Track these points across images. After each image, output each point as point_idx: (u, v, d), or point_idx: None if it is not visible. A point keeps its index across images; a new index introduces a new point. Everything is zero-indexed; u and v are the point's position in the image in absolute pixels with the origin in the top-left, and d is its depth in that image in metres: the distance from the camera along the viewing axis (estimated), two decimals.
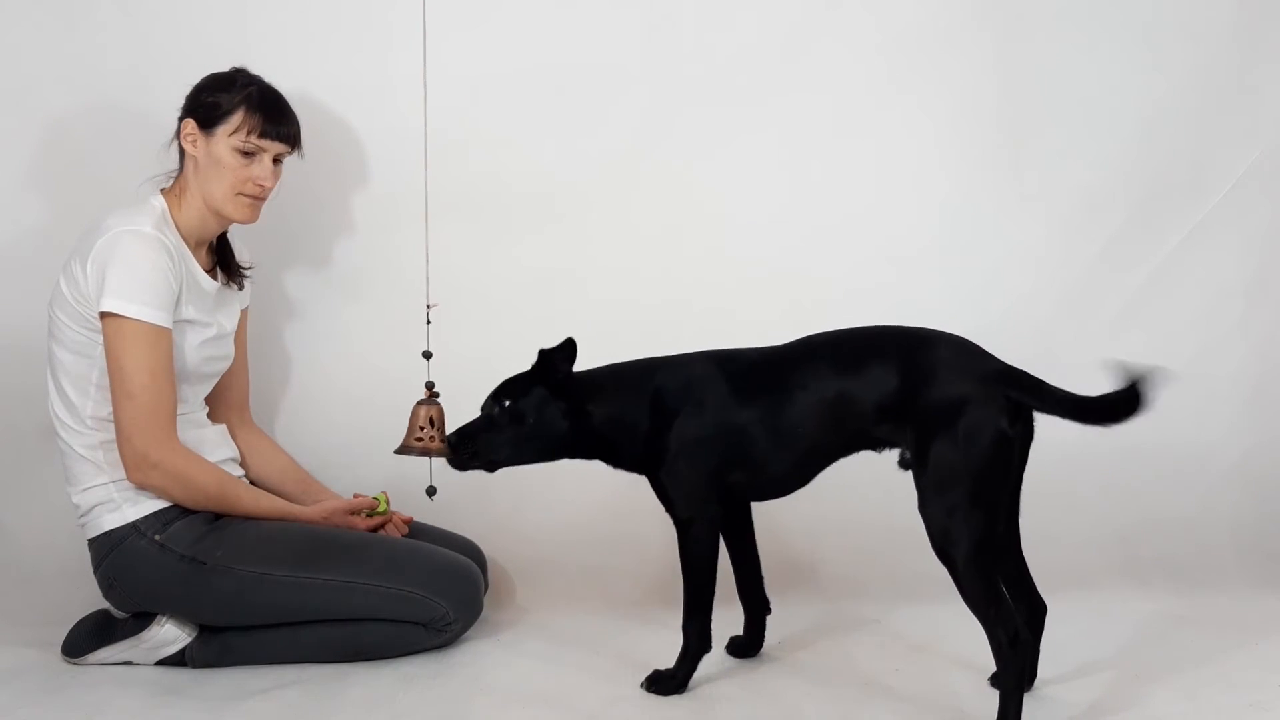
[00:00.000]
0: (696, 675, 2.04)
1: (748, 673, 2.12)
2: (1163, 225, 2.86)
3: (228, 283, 2.32)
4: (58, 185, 2.63)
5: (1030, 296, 2.83)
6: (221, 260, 2.31)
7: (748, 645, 2.23)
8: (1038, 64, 2.81)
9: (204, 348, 2.21)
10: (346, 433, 2.68)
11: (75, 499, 2.17)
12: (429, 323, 2.15)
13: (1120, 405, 1.79)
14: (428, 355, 2.16)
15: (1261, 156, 2.86)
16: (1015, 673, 1.79)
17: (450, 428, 2.09)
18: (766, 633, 2.23)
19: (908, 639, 2.30)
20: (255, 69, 2.25)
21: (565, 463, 2.49)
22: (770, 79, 2.76)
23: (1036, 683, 2.00)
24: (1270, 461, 2.82)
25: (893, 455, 1.96)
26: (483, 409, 2.07)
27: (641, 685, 2.03)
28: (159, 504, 2.13)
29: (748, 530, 2.20)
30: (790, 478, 2.04)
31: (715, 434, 1.99)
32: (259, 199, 2.23)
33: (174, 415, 2.12)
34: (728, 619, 2.16)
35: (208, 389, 2.32)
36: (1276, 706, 1.96)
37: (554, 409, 2.03)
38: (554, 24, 2.71)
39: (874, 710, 1.95)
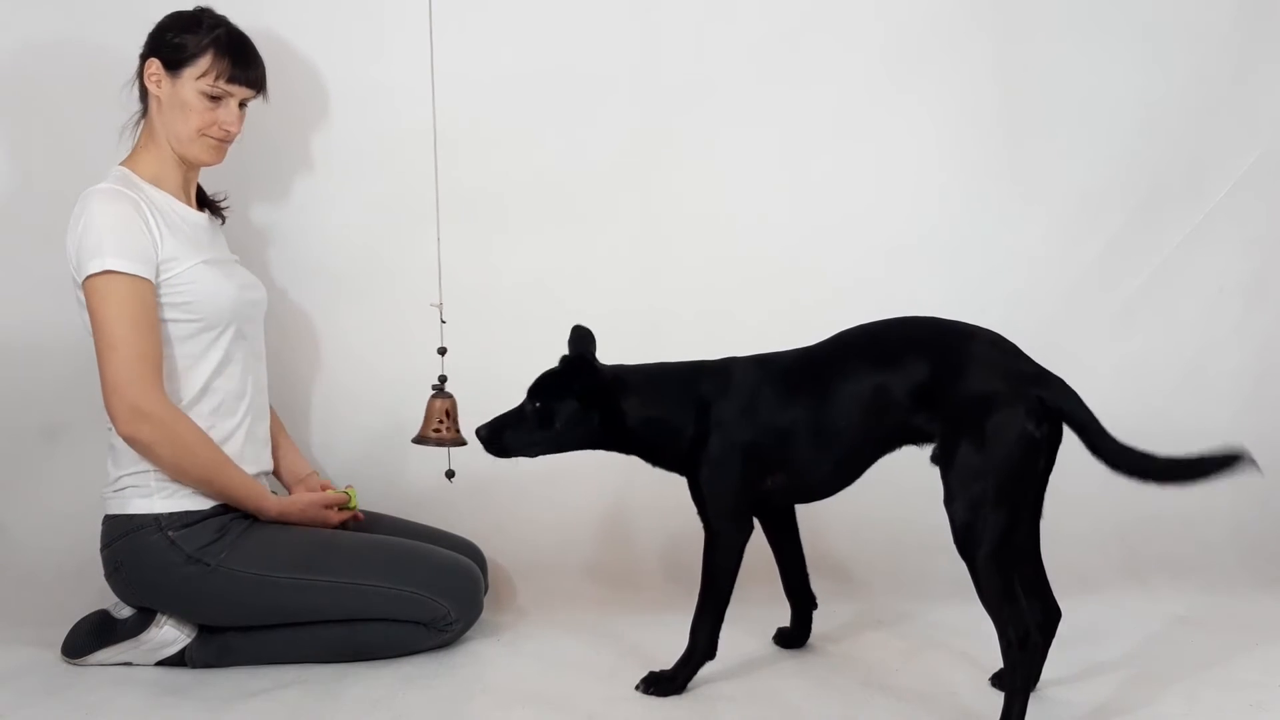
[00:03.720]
0: (697, 675, 2.04)
1: (748, 673, 2.12)
2: (1163, 225, 2.87)
3: (210, 220, 2.30)
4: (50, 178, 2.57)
5: (1030, 296, 2.83)
6: (199, 200, 2.30)
7: (794, 637, 2.27)
8: (1038, 64, 2.82)
9: (233, 278, 2.19)
10: (342, 430, 2.69)
11: (111, 470, 2.14)
12: (443, 321, 2.15)
13: (1146, 468, 1.82)
14: (442, 351, 2.15)
15: (1261, 157, 2.86)
16: (1023, 674, 1.79)
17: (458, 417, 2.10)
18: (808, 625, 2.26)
19: (908, 639, 2.30)
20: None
21: (565, 463, 2.48)
22: (770, 79, 2.76)
23: (1039, 683, 1.99)
24: (1270, 461, 2.81)
25: (901, 456, 1.97)
26: (525, 401, 2.07)
27: (637, 687, 2.02)
28: (188, 503, 2.10)
29: (792, 529, 2.22)
30: (833, 477, 2.03)
31: (757, 439, 1.99)
32: (225, 141, 2.22)
33: (160, 369, 2.06)
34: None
35: (259, 331, 2.27)
36: (1277, 707, 1.96)
37: (585, 414, 2.03)
38: (552, 24, 2.70)
39: (874, 710, 1.94)
